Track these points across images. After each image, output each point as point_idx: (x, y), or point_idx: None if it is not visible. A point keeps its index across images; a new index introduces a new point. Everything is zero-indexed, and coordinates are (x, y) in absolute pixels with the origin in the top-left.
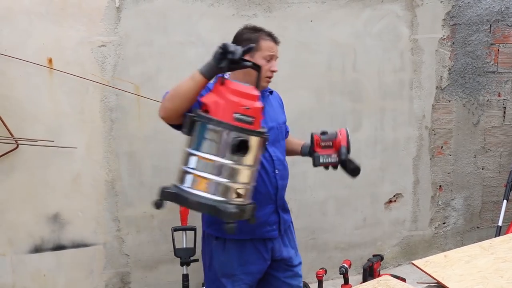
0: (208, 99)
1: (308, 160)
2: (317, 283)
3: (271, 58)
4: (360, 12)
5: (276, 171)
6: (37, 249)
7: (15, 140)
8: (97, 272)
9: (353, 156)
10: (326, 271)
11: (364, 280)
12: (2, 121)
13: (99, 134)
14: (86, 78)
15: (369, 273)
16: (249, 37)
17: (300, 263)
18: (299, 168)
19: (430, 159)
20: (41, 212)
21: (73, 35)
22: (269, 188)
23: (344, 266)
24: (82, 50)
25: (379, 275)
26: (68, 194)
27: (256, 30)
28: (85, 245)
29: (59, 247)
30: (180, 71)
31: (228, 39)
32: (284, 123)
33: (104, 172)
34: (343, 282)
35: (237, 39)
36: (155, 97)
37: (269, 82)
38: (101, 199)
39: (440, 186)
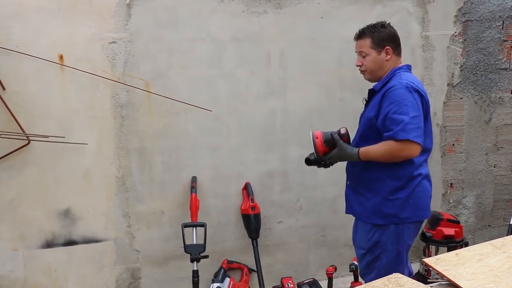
0: None
1: None
2: (327, 280)
3: (358, 54)
4: (371, 8)
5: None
6: (49, 244)
7: (27, 136)
8: (107, 267)
9: None
10: (336, 268)
11: None
12: (14, 117)
13: (110, 130)
14: (96, 74)
15: None
16: None
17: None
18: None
19: (441, 156)
20: (52, 207)
21: (84, 32)
22: None
23: (354, 263)
24: (93, 47)
25: None
26: (79, 190)
27: None
28: (96, 241)
29: (70, 243)
30: (190, 67)
31: (238, 36)
32: (369, 118)
33: (115, 168)
34: (353, 280)
35: None
36: (165, 94)
37: (362, 74)
38: (112, 195)
39: (451, 184)
